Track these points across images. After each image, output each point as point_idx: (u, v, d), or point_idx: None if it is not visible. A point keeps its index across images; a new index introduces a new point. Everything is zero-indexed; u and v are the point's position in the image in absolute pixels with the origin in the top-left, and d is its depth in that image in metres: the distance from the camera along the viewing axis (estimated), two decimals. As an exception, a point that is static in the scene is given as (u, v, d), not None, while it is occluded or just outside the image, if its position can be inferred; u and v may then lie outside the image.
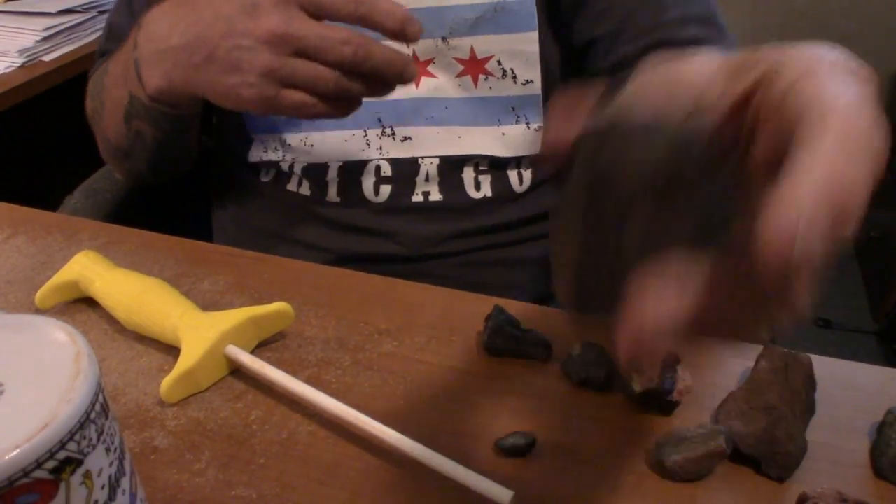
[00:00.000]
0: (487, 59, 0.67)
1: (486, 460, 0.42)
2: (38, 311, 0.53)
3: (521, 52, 0.67)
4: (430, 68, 0.69)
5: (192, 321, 0.47)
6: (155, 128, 0.64)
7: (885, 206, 2.02)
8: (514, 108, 0.69)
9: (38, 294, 0.52)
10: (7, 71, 1.24)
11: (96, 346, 0.50)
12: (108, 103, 0.66)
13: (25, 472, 0.24)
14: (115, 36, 0.75)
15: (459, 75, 0.68)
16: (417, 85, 0.69)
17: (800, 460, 0.41)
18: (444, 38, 0.67)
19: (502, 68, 0.68)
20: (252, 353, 0.47)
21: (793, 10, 2.06)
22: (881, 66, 2.06)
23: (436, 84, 0.69)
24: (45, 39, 1.32)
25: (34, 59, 1.29)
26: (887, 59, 2.05)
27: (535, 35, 0.66)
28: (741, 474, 0.41)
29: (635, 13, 0.64)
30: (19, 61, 1.27)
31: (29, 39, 1.31)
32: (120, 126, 0.66)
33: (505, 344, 0.49)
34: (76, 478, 0.26)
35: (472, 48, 0.67)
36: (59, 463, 0.25)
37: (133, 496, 0.30)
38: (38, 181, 0.60)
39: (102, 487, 0.28)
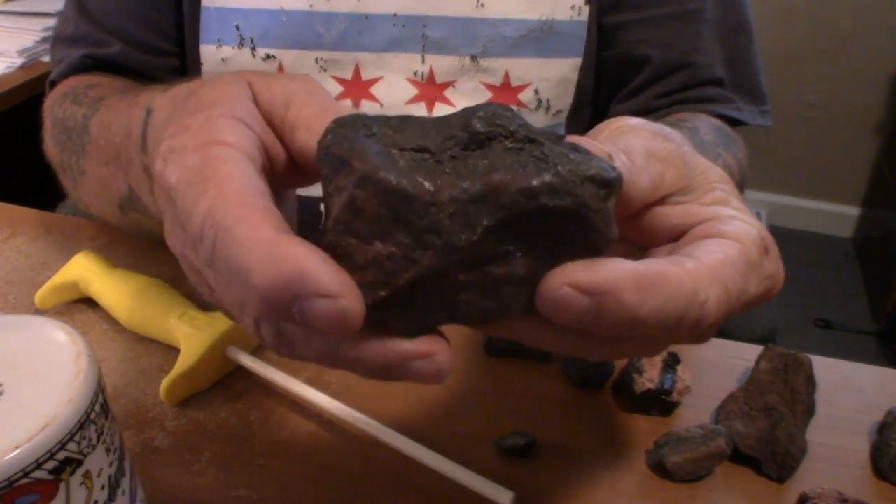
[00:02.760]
0: (523, 87, 0.59)
1: (486, 460, 0.42)
2: (38, 311, 0.52)
3: (562, 80, 0.59)
4: (447, 93, 0.59)
5: (192, 321, 0.47)
6: (161, 225, 0.48)
7: (885, 206, 2.03)
8: None
9: (38, 294, 0.52)
10: (7, 71, 1.24)
11: (96, 346, 0.50)
12: (93, 181, 0.51)
13: (25, 473, 0.24)
14: (71, 42, 0.63)
15: None
16: (430, 113, 0.60)
17: (800, 460, 0.41)
18: (473, 57, 0.57)
19: (538, 99, 0.59)
20: (252, 353, 0.47)
21: (793, 10, 2.06)
22: (881, 66, 2.06)
23: None
24: (45, 39, 1.32)
25: (34, 59, 1.29)
26: (887, 59, 2.05)
27: (579, 62, 0.59)
28: (741, 474, 0.41)
29: (670, 74, 0.60)
30: (19, 61, 1.27)
31: (29, 39, 1.31)
32: (112, 209, 0.52)
33: (505, 344, 0.49)
34: (76, 478, 0.26)
35: (507, 72, 0.58)
36: (59, 463, 0.25)
37: (133, 496, 0.30)
38: (38, 181, 0.59)
39: (102, 488, 0.28)
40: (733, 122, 0.62)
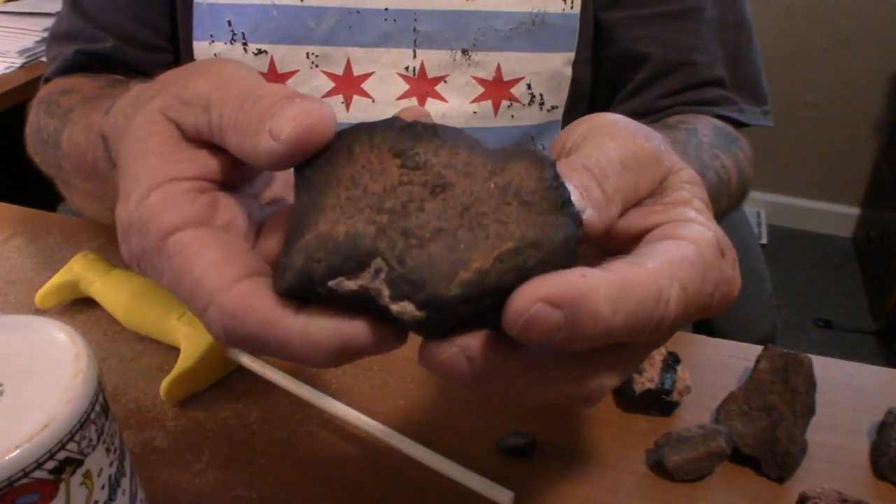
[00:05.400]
0: (515, 81, 0.58)
1: (486, 460, 0.42)
2: (38, 311, 0.52)
3: (555, 74, 0.59)
4: (439, 88, 0.59)
5: (192, 321, 0.47)
6: None
7: (885, 206, 2.03)
8: (532, 139, 0.62)
9: (38, 294, 0.52)
10: (7, 71, 1.24)
11: (96, 346, 0.50)
12: (81, 192, 0.53)
13: (25, 473, 0.24)
14: (67, 41, 0.64)
15: (477, 100, 0.59)
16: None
17: (800, 460, 0.41)
18: (464, 51, 0.57)
19: (531, 93, 0.59)
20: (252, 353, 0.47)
21: (793, 10, 2.06)
22: (881, 66, 2.06)
23: (444, 110, 0.59)
24: (45, 40, 1.31)
25: (34, 59, 1.29)
26: (887, 59, 2.05)
27: (572, 56, 0.59)
28: (741, 474, 0.41)
29: (670, 73, 0.60)
30: (19, 61, 1.27)
31: (29, 39, 1.31)
32: (106, 213, 0.54)
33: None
34: (76, 478, 0.26)
35: (498, 66, 0.58)
36: (59, 463, 0.25)
37: (133, 496, 0.30)
38: (38, 181, 0.59)
39: (102, 488, 0.28)
40: (736, 125, 0.62)
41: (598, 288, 0.21)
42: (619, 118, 0.28)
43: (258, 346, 0.24)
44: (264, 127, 0.24)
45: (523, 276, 0.22)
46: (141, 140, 0.26)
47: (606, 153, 0.26)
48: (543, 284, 0.21)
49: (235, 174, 0.27)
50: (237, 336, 0.24)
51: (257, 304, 0.23)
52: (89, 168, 0.45)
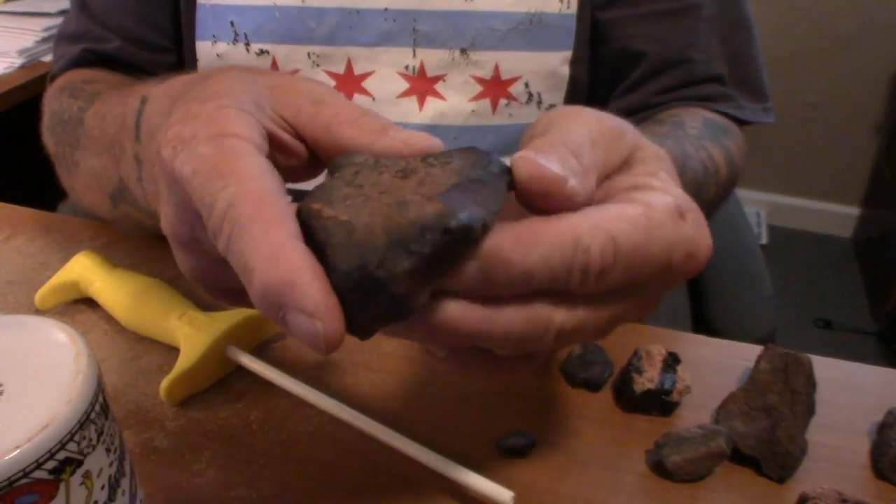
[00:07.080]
0: (513, 80, 0.59)
1: (486, 460, 0.42)
2: (38, 311, 0.52)
3: (552, 73, 0.59)
4: (438, 87, 0.60)
5: (191, 321, 0.47)
6: (152, 218, 0.45)
7: (885, 206, 2.03)
8: None
9: (38, 294, 0.52)
10: (7, 71, 1.24)
11: (96, 346, 0.50)
12: (86, 172, 0.53)
13: (25, 473, 0.24)
14: (73, 40, 0.65)
15: (476, 98, 0.60)
16: (421, 107, 0.61)
17: (800, 460, 0.41)
18: (463, 51, 0.58)
19: (529, 92, 0.60)
20: (252, 353, 0.47)
21: (793, 10, 2.06)
22: (881, 66, 2.06)
23: (444, 108, 0.60)
24: (45, 40, 1.32)
25: (34, 59, 1.29)
26: (887, 59, 2.05)
27: (569, 55, 0.59)
28: (741, 474, 0.41)
29: (667, 70, 0.60)
30: (19, 61, 1.27)
31: (29, 39, 1.31)
32: (103, 200, 0.53)
33: (505, 344, 0.48)
34: (76, 478, 0.26)
35: (496, 66, 0.58)
36: (59, 463, 0.25)
37: (133, 496, 0.30)
38: (38, 181, 0.59)
39: (102, 488, 0.28)
40: (736, 122, 0.62)
41: (504, 237, 0.23)
42: (581, 106, 0.30)
43: (250, 223, 0.23)
44: (387, 132, 0.27)
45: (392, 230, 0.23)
46: (240, 82, 0.29)
47: (577, 131, 0.27)
48: None
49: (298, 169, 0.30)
50: (236, 214, 0.23)
51: (273, 194, 0.24)
52: (107, 141, 0.46)
